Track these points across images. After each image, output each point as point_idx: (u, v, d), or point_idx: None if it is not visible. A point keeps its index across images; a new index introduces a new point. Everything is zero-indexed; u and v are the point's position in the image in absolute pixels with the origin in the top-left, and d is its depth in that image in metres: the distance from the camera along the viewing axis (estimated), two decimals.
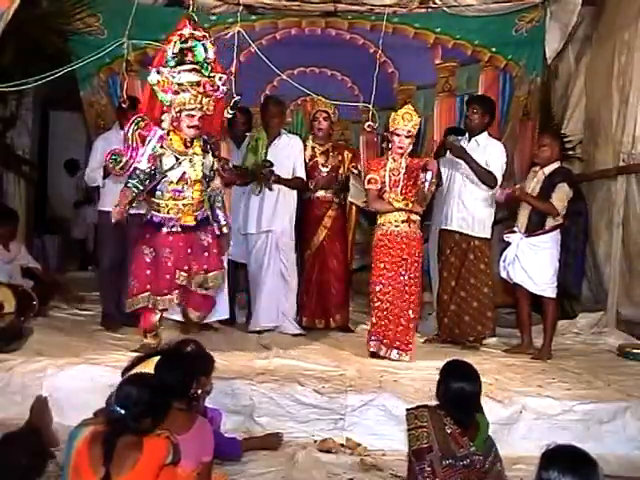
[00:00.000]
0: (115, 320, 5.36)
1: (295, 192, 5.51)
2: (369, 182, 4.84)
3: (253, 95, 6.17)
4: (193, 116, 4.23)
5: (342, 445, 3.80)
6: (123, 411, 2.43)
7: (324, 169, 5.61)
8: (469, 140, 5.25)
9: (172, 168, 4.26)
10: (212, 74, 4.33)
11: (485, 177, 5.09)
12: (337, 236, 5.66)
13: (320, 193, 5.63)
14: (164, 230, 4.29)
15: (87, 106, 6.59)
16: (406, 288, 4.76)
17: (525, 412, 3.91)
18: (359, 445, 3.82)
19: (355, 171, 5.62)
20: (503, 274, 5.13)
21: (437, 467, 2.70)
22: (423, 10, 6.49)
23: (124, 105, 5.24)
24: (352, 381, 4.19)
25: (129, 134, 4.27)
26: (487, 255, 5.25)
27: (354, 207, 5.86)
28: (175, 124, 4.29)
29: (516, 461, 3.55)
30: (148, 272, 4.29)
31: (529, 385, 4.27)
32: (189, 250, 4.32)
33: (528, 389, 4.19)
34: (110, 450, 2.36)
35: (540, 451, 2.09)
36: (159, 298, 4.31)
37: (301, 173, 5.47)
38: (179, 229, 4.30)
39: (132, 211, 5.24)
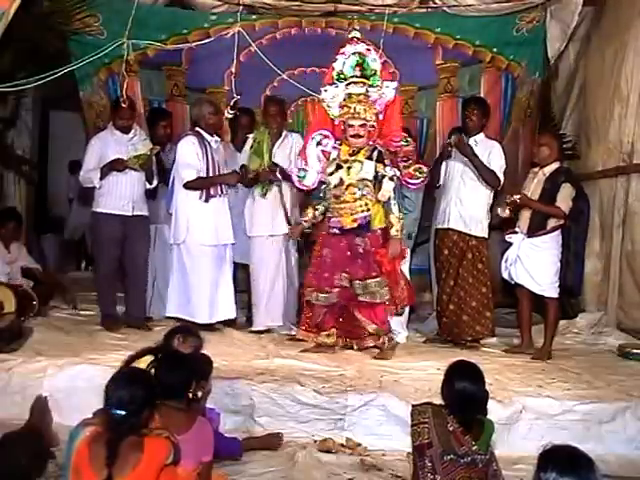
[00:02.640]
0: (115, 320, 5.37)
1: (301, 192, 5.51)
2: None
3: (253, 95, 6.17)
4: (353, 126, 4.63)
5: (342, 445, 3.80)
6: (123, 412, 2.42)
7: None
8: (467, 140, 5.25)
9: (332, 174, 4.69)
10: (378, 83, 4.70)
11: (489, 176, 5.10)
12: None
13: None
14: (329, 232, 4.71)
15: (87, 106, 6.58)
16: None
17: (525, 412, 3.91)
18: (359, 445, 3.81)
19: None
20: (505, 274, 5.13)
21: (437, 463, 2.71)
22: (423, 10, 6.49)
23: (124, 105, 5.26)
24: (352, 381, 4.19)
25: (310, 151, 4.80)
26: (485, 255, 5.26)
27: None
28: (344, 135, 4.70)
29: (516, 461, 3.54)
30: (315, 270, 4.74)
31: (529, 385, 4.27)
32: (348, 252, 4.64)
33: (528, 389, 4.19)
34: (114, 451, 2.36)
35: (540, 451, 2.09)
36: (320, 295, 4.67)
37: None
38: (337, 231, 4.65)
39: (139, 212, 5.28)
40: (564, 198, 4.90)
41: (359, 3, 6.34)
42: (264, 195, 5.40)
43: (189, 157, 5.15)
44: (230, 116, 5.06)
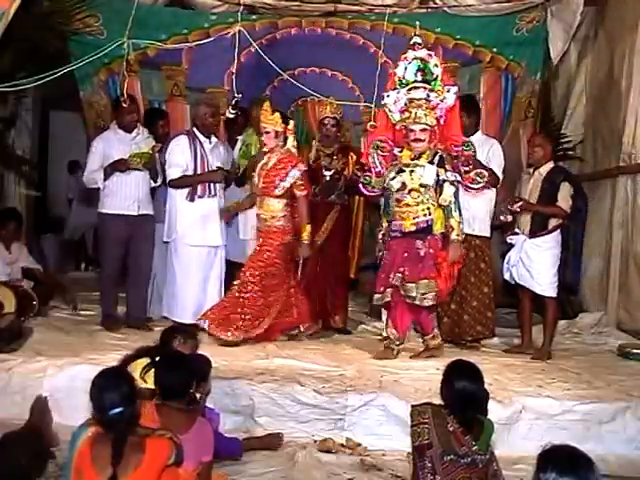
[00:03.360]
0: (115, 320, 5.37)
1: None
2: None
3: (253, 95, 6.17)
4: (414, 131, 4.67)
5: (342, 445, 3.80)
6: (119, 409, 2.42)
7: (327, 172, 5.58)
8: None
9: (394, 178, 4.73)
10: (440, 87, 4.76)
11: (489, 178, 5.12)
12: (338, 238, 5.64)
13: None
14: (391, 235, 4.78)
15: (87, 106, 6.58)
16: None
17: (525, 412, 3.91)
18: (359, 445, 3.81)
19: (359, 173, 5.58)
20: (506, 275, 5.13)
21: (437, 463, 2.71)
22: (423, 10, 6.50)
23: (124, 105, 5.25)
24: (352, 381, 4.19)
25: (372, 157, 4.89)
26: (488, 254, 5.26)
27: (361, 209, 5.84)
28: (405, 139, 4.74)
29: (516, 461, 3.54)
30: (379, 273, 4.82)
31: (529, 385, 4.27)
32: (405, 254, 4.68)
33: (528, 389, 4.19)
34: (120, 451, 2.36)
35: (539, 451, 2.09)
36: (376, 295, 4.82)
37: None
38: (398, 234, 4.70)
39: (145, 211, 5.28)
40: (564, 197, 4.91)
41: (359, 3, 6.35)
42: None
43: (175, 156, 5.19)
44: (231, 116, 5.05)
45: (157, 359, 2.93)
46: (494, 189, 5.22)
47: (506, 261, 5.09)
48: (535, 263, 4.97)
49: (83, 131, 7.33)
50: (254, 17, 6.41)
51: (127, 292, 5.54)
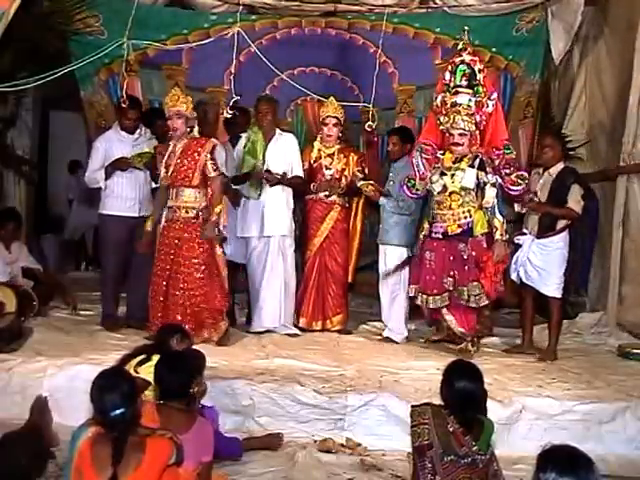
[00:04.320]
0: (115, 320, 5.37)
1: (292, 192, 5.50)
2: None
3: (253, 95, 6.17)
4: (453, 135, 4.83)
5: (342, 445, 3.80)
6: (120, 410, 2.42)
7: (327, 172, 5.58)
8: None
9: (436, 181, 4.87)
10: (482, 92, 4.88)
11: None
12: (338, 238, 5.62)
13: (323, 194, 5.61)
14: (432, 236, 4.89)
15: (88, 106, 6.58)
16: None
17: (525, 412, 3.92)
18: (359, 445, 3.82)
19: (360, 175, 5.57)
20: (513, 276, 5.11)
21: (437, 464, 2.71)
22: (423, 10, 6.50)
23: (124, 105, 5.26)
24: (352, 381, 4.20)
25: (416, 160, 5.05)
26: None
27: (360, 209, 5.83)
28: (447, 142, 4.91)
29: (516, 461, 3.55)
30: (420, 274, 4.95)
31: (529, 385, 4.27)
32: (451, 257, 4.81)
33: (528, 389, 4.19)
34: (120, 450, 2.36)
35: (539, 451, 2.09)
36: (426, 297, 4.90)
37: (299, 171, 5.47)
38: (440, 236, 4.84)
39: (145, 213, 5.29)
40: (575, 199, 4.89)
41: (359, 3, 6.34)
42: (259, 196, 5.40)
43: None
44: (229, 116, 5.04)
45: (157, 359, 2.94)
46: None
47: (513, 261, 5.06)
48: (543, 264, 4.94)
49: (83, 131, 7.33)
50: (254, 17, 6.41)
51: (127, 292, 5.55)
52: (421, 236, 5.03)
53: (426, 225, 5.00)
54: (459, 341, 5.23)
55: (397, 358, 4.85)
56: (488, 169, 4.84)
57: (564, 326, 5.79)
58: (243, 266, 5.70)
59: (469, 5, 6.29)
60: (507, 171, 4.87)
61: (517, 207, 5.06)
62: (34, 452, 2.44)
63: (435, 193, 4.89)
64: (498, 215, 4.82)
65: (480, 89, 4.90)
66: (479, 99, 4.87)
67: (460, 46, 5.01)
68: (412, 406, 2.94)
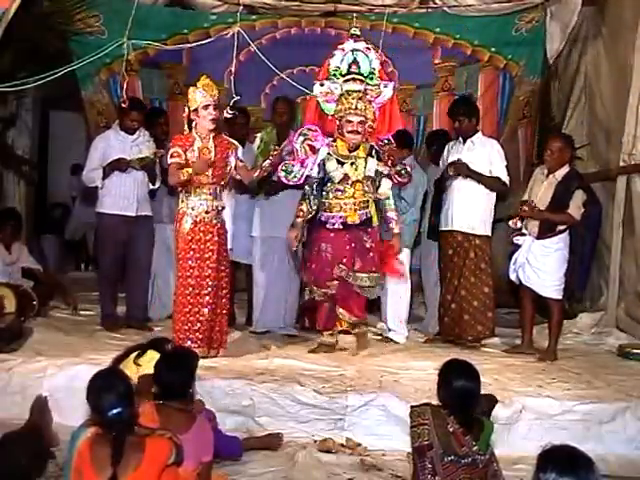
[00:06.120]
0: (115, 320, 5.37)
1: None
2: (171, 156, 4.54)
3: (253, 95, 6.18)
4: (352, 122, 4.59)
5: (342, 445, 3.80)
6: (118, 410, 2.43)
7: None
8: (464, 142, 5.24)
9: (335, 170, 4.66)
10: (376, 82, 4.72)
11: (495, 186, 5.16)
12: None
13: None
14: (327, 227, 4.68)
15: (88, 106, 6.58)
16: None
17: (525, 412, 3.91)
18: (359, 445, 3.81)
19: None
20: (512, 276, 5.09)
21: (438, 464, 2.71)
22: (423, 10, 6.51)
23: (124, 105, 5.26)
24: (352, 381, 4.19)
25: (297, 145, 4.73)
26: (488, 254, 5.24)
27: None
28: (339, 131, 4.68)
29: (516, 461, 3.54)
30: (313, 266, 4.71)
31: (529, 385, 4.27)
32: (352, 245, 4.66)
33: (528, 389, 4.18)
34: (120, 450, 2.36)
35: (539, 451, 2.09)
36: (316, 289, 4.70)
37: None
38: (340, 226, 4.65)
39: (143, 212, 5.29)
40: (577, 204, 4.85)
41: (359, 3, 6.35)
42: (267, 197, 5.39)
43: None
44: (229, 116, 5.04)
45: (153, 352, 2.94)
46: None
47: (512, 262, 5.05)
48: (543, 264, 4.91)
49: (83, 131, 7.34)
50: (254, 17, 6.42)
51: (127, 292, 5.55)
52: (299, 221, 4.72)
53: (306, 211, 4.71)
54: (458, 341, 5.25)
55: (397, 358, 4.85)
56: (383, 159, 4.74)
57: (564, 326, 5.80)
58: (245, 265, 5.70)
59: (469, 5, 6.29)
60: (392, 162, 4.78)
61: (511, 223, 5.01)
62: (34, 452, 2.44)
63: (335, 182, 4.67)
64: (394, 207, 4.80)
65: (373, 77, 4.74)
66: (375, 87, 4.72)
67: (352, 32, 4.86)
68: (411, 406, 2.94)
